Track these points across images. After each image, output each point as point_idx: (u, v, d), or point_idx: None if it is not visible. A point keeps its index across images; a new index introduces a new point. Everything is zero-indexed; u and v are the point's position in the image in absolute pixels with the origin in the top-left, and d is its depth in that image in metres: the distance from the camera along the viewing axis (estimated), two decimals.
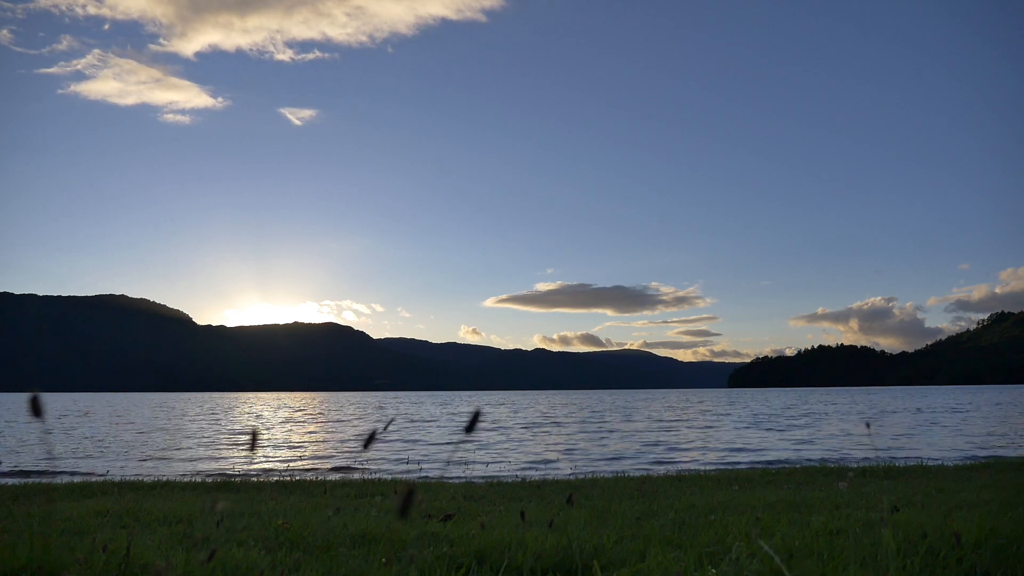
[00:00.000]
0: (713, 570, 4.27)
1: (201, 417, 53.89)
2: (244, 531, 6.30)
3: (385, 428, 1.90)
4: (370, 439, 1.87)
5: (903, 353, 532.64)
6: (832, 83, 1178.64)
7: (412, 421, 45.10)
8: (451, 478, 15.76)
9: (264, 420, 49.87)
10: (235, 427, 40.47)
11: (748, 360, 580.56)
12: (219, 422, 46.15)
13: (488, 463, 19.88)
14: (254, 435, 2.00)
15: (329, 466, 19.85)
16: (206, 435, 33.00)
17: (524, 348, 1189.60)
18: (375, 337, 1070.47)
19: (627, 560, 4.86)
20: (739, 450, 24.04)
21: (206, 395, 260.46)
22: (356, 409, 75.04)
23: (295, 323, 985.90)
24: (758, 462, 19.60)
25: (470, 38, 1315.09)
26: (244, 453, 24.19)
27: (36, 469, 19.05)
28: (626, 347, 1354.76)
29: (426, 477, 16.45)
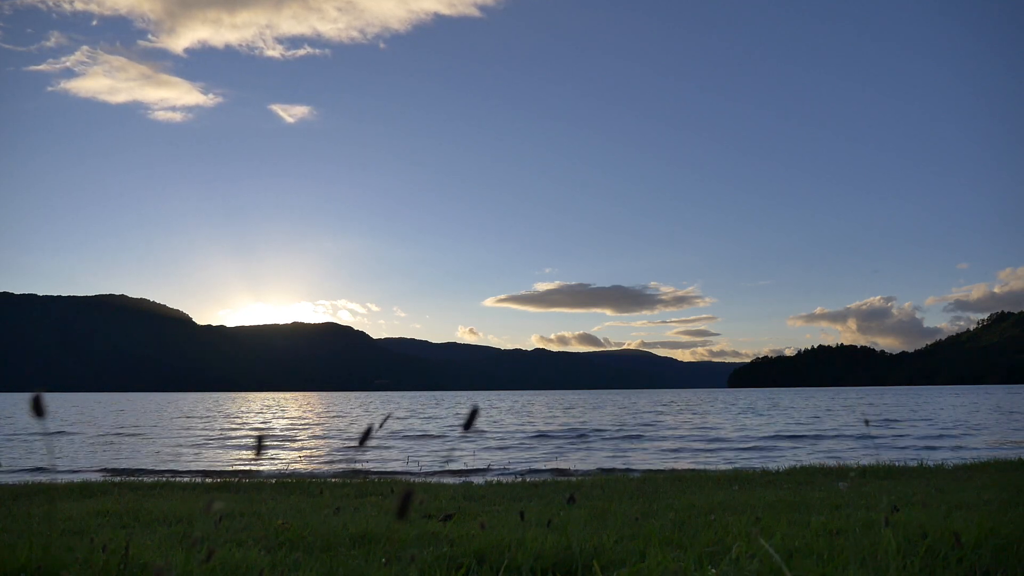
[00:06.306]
0: (713, 570, 4.27)
1: (180, 417, 53.88)
2: (244, 531, 6.30)
3: (381, 425, 1.90)
4: (365, 436, 1.87)
5: (903, 353, 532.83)
6: (831, 83, 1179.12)
7: (412, 421, 45.10)
8: (451, 478, 15.76)
9: (264, 420, 49.87)
10: (220, 428, 40.47)
11: (747, 360, 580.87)
12: (192, 421, 46.16)
13: (488, 463, 19.88)
14: (260, 439, 2.00)
15: (329, 466, 19.85)
16: (173, 436, 32.99)
17: (523, 348, 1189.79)
18: (375, 337, 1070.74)
19: (627, 560, 4.86)
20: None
21: (205, 395, 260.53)
22: (356, 409, 75.05)
23: (295, 323, 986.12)
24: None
25: (465, 34, 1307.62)
26: (242, 455, 24.19)
27: (36, 467, 19.05)
28: (625, 347, 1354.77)
29: (426, 477, 16.45)
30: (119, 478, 14.60)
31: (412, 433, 33.02)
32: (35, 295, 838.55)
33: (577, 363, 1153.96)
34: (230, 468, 18.87)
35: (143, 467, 19.29)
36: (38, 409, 1.74)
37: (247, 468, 18.91)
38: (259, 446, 1.99)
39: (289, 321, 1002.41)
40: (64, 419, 49.25)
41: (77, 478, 15.06)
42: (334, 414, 61.00)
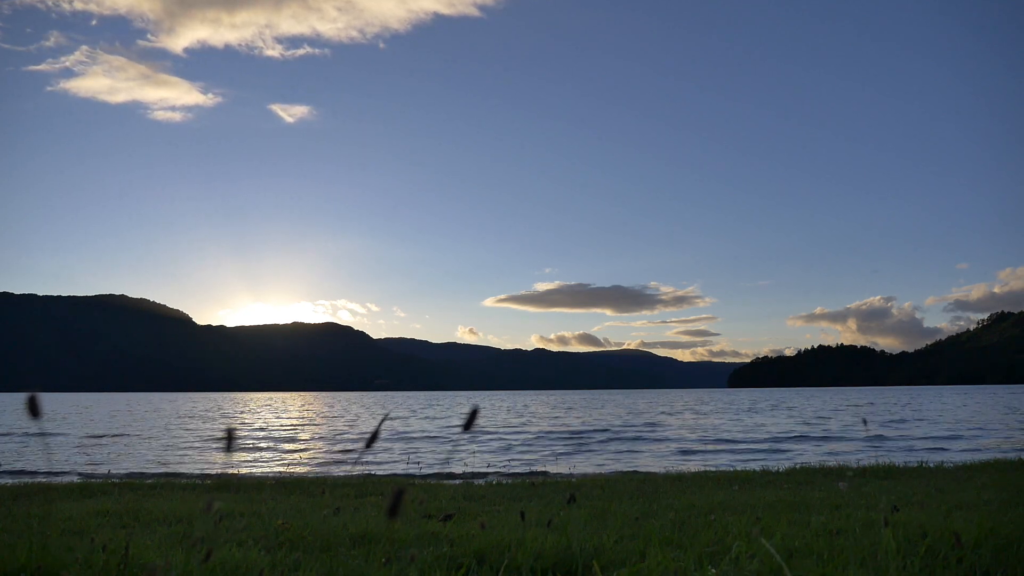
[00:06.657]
0: (713, 570, 4.27)
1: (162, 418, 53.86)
2: (244, 531, 6.30)
3: (379, 426, 1.89)
4: (372, 439, 1.86)
5: (903, 353, 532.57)
6: (831, 83, 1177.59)
7: (412, 421, 45.10)
8: (451, 478, 15.77)
9: (264, 420, 49.87)
10: (219, 428, 40.44)
11: (746, 360, 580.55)
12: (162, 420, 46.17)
13: (489, 463, 19.89)
14: (230, 434, 1.98)
15: (329, 466, 19.85)
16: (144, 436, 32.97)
17: (523, 348, 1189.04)
18: (375, 337, 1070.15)
19: (627, 560, 4.86)
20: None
21: (205, 395, 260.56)
22: (357, 409, 75.06)
23: (295, 323, 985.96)
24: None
25: (465, 34, 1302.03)
26: (241, 455, 24.18)
27: (35, 469, 19.05)
28: (625, 347, 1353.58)
29: (426, 478, 16.45)
30: (118, 479, 14.60)
31: (412, 433, 33.02)
32: (35, 295, 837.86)
33: (577, 363, 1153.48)
34: (230, 468, 18.87)
35: (143, 467, 19.29)
36: (34, 409, 1.73)
37: (247, 468, 18.92)
38: (229, 444, 1.97)
39: (289, 321, 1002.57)
40: (64, 419, 49.26)
41: (76, 479, 15.07)
42: (334, 414, 61.00)
